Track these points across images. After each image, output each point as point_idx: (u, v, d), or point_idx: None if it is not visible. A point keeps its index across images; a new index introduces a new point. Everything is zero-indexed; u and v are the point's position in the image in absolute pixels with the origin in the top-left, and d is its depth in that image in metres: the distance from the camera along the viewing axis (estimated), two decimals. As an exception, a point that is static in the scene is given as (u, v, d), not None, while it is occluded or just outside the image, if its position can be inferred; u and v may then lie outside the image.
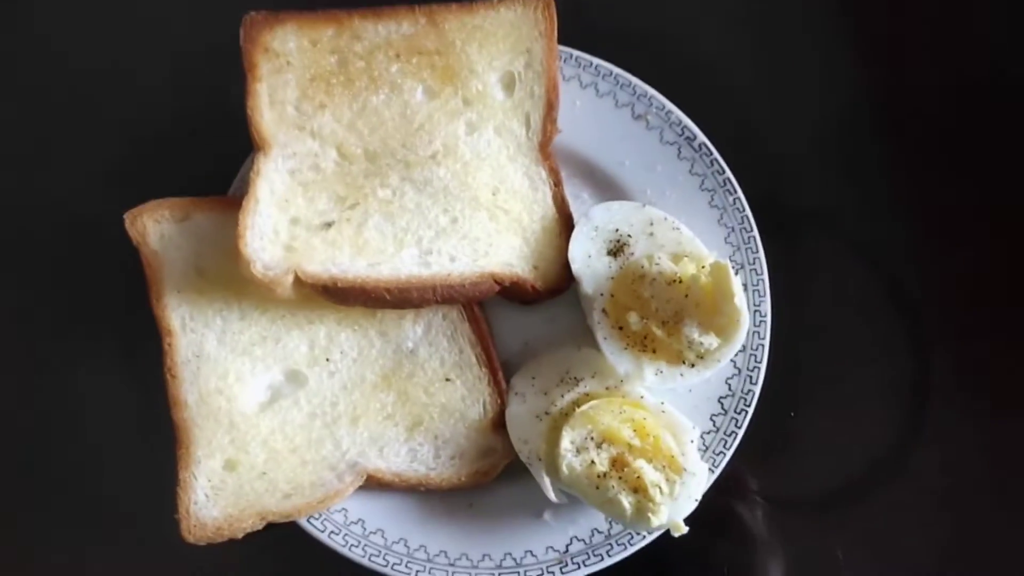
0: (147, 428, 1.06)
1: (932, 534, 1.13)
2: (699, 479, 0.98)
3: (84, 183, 1.16)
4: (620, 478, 0.97)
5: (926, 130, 1.23)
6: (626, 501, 0.96)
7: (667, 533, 1.03)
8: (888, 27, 1.26)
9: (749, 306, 1.09)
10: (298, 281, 0.99)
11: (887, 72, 1.24)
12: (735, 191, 1.12)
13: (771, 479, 1.14)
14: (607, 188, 1.14)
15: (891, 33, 1.26)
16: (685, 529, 0.98)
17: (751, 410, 1.07)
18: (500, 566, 1.03)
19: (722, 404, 1.08)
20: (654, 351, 1.03)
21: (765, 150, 1.21)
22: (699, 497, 0.99)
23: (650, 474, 0.96)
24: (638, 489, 0.96)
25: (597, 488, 0.97)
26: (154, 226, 1.04)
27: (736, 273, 1.02)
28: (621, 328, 1.03)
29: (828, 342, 1.17)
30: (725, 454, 1.06)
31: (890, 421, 1.16)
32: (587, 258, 1.06)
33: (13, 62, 1.21)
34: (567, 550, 1.04)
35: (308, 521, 1.02)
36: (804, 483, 1.14)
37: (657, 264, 1.03)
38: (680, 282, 1.02)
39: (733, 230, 1.12)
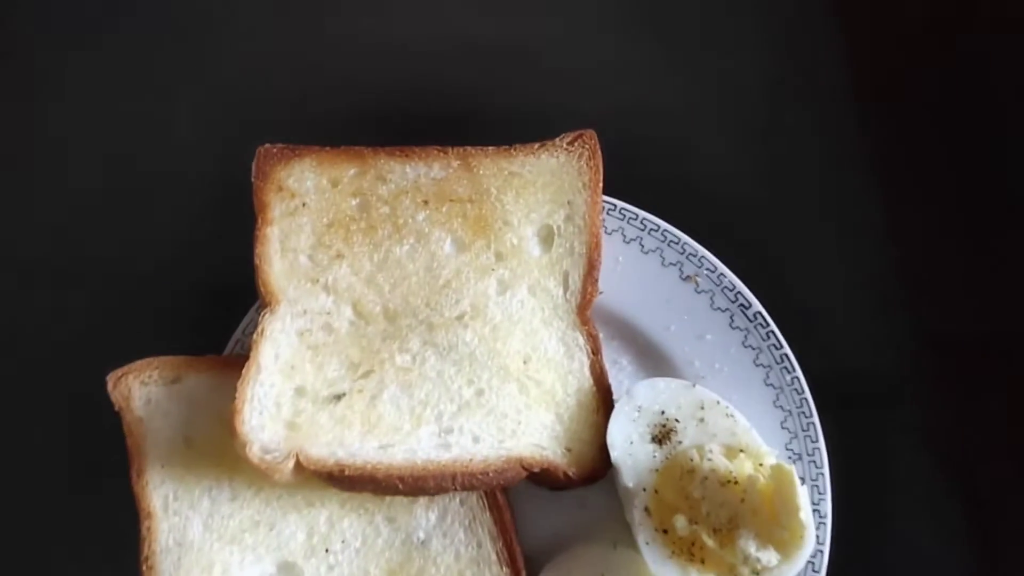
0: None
1: None
2: None
3: (66, 336, 1.03)
4: None
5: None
6: None
7: None
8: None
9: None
10: (299, 466, 0.86)
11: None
12: (793, 369, 1.00)
13: None
14: (649, 356, 1.02)
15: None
16: None
17: (807, 630, 0.94)
18: None
19: (776, 619, 0.95)
20: (703, 562, 0.90)
21: (820, 323, 1.09)
22: None
23: None
24: None
25: None
26: (140, 388, 0.91)
27: (794, 466, 0.89)
28: (666, 531, 0.91)
29: (891, 541, 1.04)
30: None
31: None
32: (628, 444, 0.94)
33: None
34: None
35: None
36: None
37: (710, 459, 0.91)
38: (736, 483, 0.89)
39: (791, 414, 1.00)
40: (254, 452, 0.85)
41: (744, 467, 0.90)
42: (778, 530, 0.88)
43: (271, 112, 1.09)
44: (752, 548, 0.87)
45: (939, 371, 1.10)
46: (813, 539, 0.87)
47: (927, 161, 1.16)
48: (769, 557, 0.87)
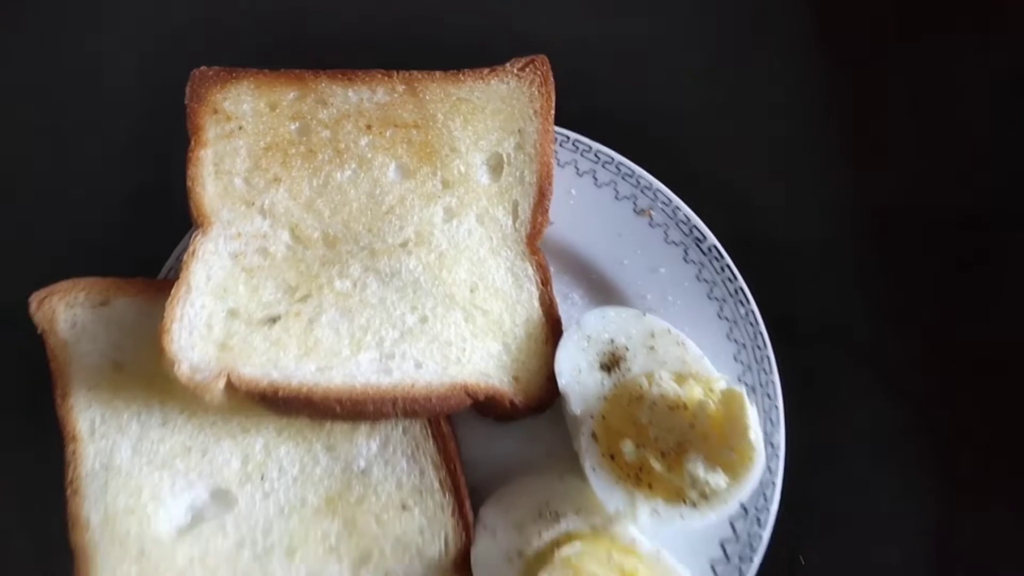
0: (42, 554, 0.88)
1: None
2: (699, 647, 0.82)
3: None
4: (606, 643, 0.80)
5: (942, 243, 1.11)
6: (612, 674, 0.79)
7: None
8: (893, 137, 1.15)
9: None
10: (231, 387, 0.83)
11: (903, 183, 1.13)
12: (748, 302, 0.98)
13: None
14: (601, 290, 1.00)
15: (895, 143, 1.15)
16: None
17: (758, 558, 0.92)
18: None
19: (725, 550, 0.93)
20: (650, 486, 0.87)
21: (780, 262, 1.07)
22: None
23: (642, 644, 0.80)
24: (626, 659, 0.80)
25: (577, 655, 0.80)
26: (66, 311, 0.88)
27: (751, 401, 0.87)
28: (613, 457, 0.88)
29: (843, 474, 1.03)
30: (727, 612, 0.90)
31: (909, 568, 1.00)
32: (576, 372, 0.91)
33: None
34: None
35: None
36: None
37: (658, 385, 0.88)
38: (684, 408, 0.87)
39: (744, 347, 0.98)
40: (183, 371, 0.82)
41: (694, 392, 0.88)
42: (727, 453, 0.85)
43: (212, 39, 1.06)
44: (701, 471, 0.84)
45: (896, 306, 1.08)
46: (763, 461, 0.85)
47: (882, 93, 1.14)
48: (718, 480, 0.85)
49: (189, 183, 0.90)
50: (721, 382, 0.88)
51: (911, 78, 1.15)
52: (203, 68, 0.95)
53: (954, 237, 1.11)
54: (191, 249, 0.88)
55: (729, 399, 0.86)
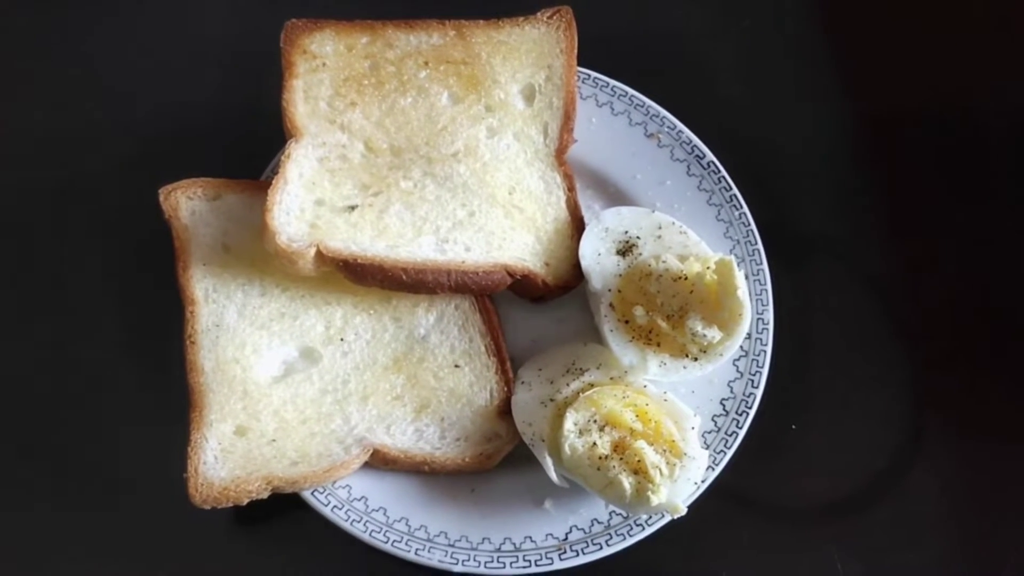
0: (160, 398, 1.08)
1: (925, 551, 1.12)
2: (699, 463, 1.00)
3: (126, 162, 1.23)
4: (621, 459, 0.98)
5: (932, 157, 1.30)
6: (626, 482, 0.97)
7: (666, 531, 1.05)
8: (890, 57, 1.35)
9: (752, 314, 1.12)
10: (319, 256, 1.03)
11: (894, 98, 1.33)
12: (740, 206, 1.17)
13: (770, 489, 1.14)
14: (619, 200, 1.19)
15: (893, 62, 1.34)
16: (684, 510, 0.99)
17: (752, 411, 1.09)
18: (499, 549, 1.03)
19: (724, 405, 1.10)
20: (658, 344, 1.06)
21: (773, 176, 1.27)
22: (699, 481, 1.00)
23: (651, 456, 0.98)
24: (638, 471, 0.98)
25: (598, 470, 0.99)
26: (186, 202, 1.09)
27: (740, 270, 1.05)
28: (627, 322, 1.07)
29: (830, 363, 1.19)
30: (726, 453, 1.08)
31: (887, 441, 1.17)
32: (597, 256, 1.11)
33: (66, 52, 1.30)
34: (566, 538, 1.04)
35: (312, 495, 1.03)
36: (802, 494, 1.14)
37: (664, 263, 1.07)
38: (685, 279, 1.06)
39: (738, 243, 1.16)
40: (282, 241, 1.02)
41: (693, 267, 1.07)
42: (721, 312, 1.04)
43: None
44: (699, 327, 1.03)
45: (890, 222, 1.26)
46: (749, 316, 1.03)
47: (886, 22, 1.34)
48: (713, 334, 1.03)
49: (284, 105, 1.12)
50: (716, 257, 1.07)
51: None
52: (294, 19, 1.16)
53: (945, 148, 1.29)
54: (287, 153, 1.09)
55: (721, 267, 1.05)
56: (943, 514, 1.14)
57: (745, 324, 1.03)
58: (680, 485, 0.99)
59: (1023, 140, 1.31)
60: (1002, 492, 1.16)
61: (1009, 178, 1.29)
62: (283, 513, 1.09)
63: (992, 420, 1.19)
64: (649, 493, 0.97)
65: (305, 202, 1.07)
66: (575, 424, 1.01)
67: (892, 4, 1.38)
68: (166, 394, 1.07)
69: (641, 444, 0.99)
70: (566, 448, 1.00)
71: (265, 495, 1.01)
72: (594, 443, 0.99)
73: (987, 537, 1.14)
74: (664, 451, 1.00)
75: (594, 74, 1.22)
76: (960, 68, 1.34)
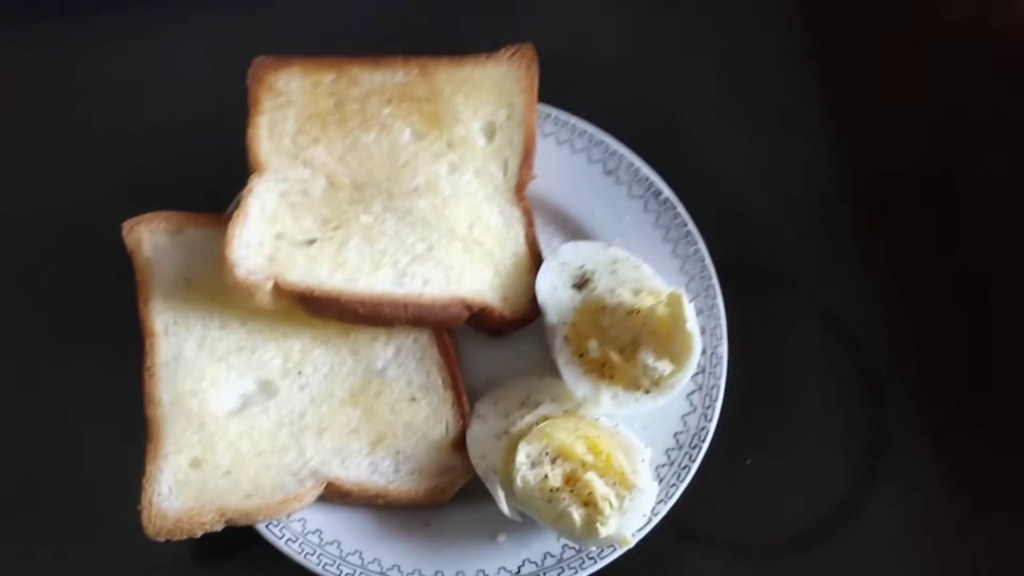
0: (125, 425, 1.09)
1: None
2: (648, 495, 1.01)
3: (89, 198, 1.25)
4: (572, 492, 1.00)
5: (896, 198, 1.32)
6: (576, 514, 0.98)
7: (620, 565, 1.06)
8: (862, 97, 1.37)
9: (706, 348, 1.13)
10: (277, 289, 1.05)
11: (860, 139, 1.35)
12: (696, 242, 1.19)
13: (725, 524, 1.15)
14: (578, 235, 1.20)
15: (864, 102, 1.37)
16: (632, 542, 0.99)
17: (705, 445, 1.10)
18: (452, 582, 1.04)
19: (677, 439, 1.11)
20: (612, 377, 1.07)
21: (734, 214, 1.28)
22: (648, 513, 1.01)
23: (600, 488, 0.99)
24: (588, 503, 0.99)
25: (549, 502, 1.00)
26: (149, 236, 1.11)
27: (691, 303, 1.07)
28: (581, 355, 1.08)
29: (787, 400, 1.20)
30: (678, 486, 1.08)
31: (846, 474, 1.18)
32: (553, 290, 1.12)
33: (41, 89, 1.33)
34: (519, 571, 1.05)
35: (267, 528, 1.04)
36: (758, 529, 1.15)
37: (618, 296, 1.09)
38: (638, 312, 1.07)
39: (693, 278, 1.18)
40: (240, 273, 1.04)
41: (646, 301, 1.08)
42: (671, 345, 1.06)
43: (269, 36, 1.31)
44: (651, 359, 1.05)
45: (851, 260, 1.28)
46: (699, 349, 1.05)
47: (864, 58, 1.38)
48: (664, 366, 1.05)
49: (248, 140, 1.14)
50: (668, 290, 1.09)
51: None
52: (262, 57, 1.19)
53: (913, 183, 1.32)
54: (249, 187, 1.11)
55: (672, 301, 1.06)
56: (902, 549, 1.15)
57: (695, 357, 1.05)
58: (629, 517, 1.00)
59: (994, 173, 1.34)
60: (965, 523, 1.16)
61: (976, 215, 1.31)
62: (239, 548, 1.09)
63: (953, 453, 1.19)
64: (598, 525, 0.98)
65: (265, 236, 1.09)
66: (527, 456, 1.02)
67: (865, 33, 1.41)
68: (130, 427, 1.07)
69: (591, 476, 1.00)
70: (518, 480, 1.01)
71: (219, 527, 1.01)
72: (546, 475, 1.00)
73: (956, 568, 1.15)
74: (614, 483, 1.01)
75: (555, 112, 1.24)
76: (944, 105, 1.37)
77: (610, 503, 0.99)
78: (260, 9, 1.36)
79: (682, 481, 1.09)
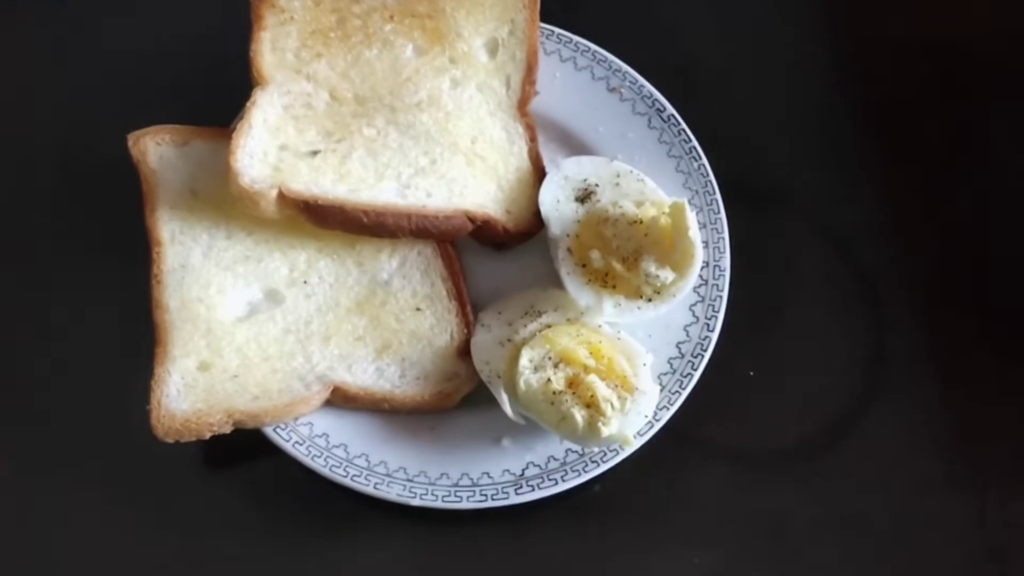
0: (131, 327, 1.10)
1: (887, 493, 1.14)
2: (650, 398, 1.02)
3: (95, 114, 1.26)
4: (574, 394, 1.01)
5: (901, 120, 1.32)
6: (579, 415, 1.00)
7: (622, 470, 1.07)
8: (865, 13, 1.38)
9: (709, 260, 1.14)
10: (281, 198, 1.06)
11: (863, 58, 1.36)
12: (700, 158, 1.19)
13: (727, 433, 1.16)
14: (582, 152, 1.21)
15: (868, 18, 1.38)
16: (635, 443, 1.01)
17: (707, 354, 1.11)
18: (457, 484, 1.05)
19: (680, 348, 1.12)
20: (614, 286, 1.08)
21: (737, 132, 1.29)
22: (650, 414, 1.02)
23: (603, 390, 1.00)
24: (591, 404, 1.00)
25: (552, 404, 1.01)
26: (155, 147, 1.12)
27: (695, 214, 1.08)
28: (584, 265, 1.09)
29: (789, 313, 1.22)
30: (681, 393, 1.09)
31: (847, 386, 1.19)
32: (556, 203, 1.13)
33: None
34: (523, 473, 1.06)
35: (274, 431, 1.06)
36: (760, 438, 1.16)
37: (620, 208, 1.10)
38: (640, 223, 1.08)
39: (697, 192, 1.19)
40: (245, 182, 1.04)
41: (648, 211, 1.09)
42: (674, 254, 1.07)
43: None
44: (653, 268, 1.06)
45: (855, 180, 1.28)
46: (701, 257, 1.06)
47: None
48: (666, 275, 1.06)
49: (251, 55, 1.14)
50: (670, 201, 1.10)
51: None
52: (264, -26, 1.19)
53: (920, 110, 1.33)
54: (252, 99, 1.11)
55: (674, 210, 1.07)
56: (905, 458, 1.16)
57: (697, 265, 1.06)
58: (631, 418, 1.01)
59: (1000, 83, 1.34)
60: (964, 435, 1.17)
61: (983, 143, 1.32)
62: (247, 455, 1.11)
63: (955, 368, 1.20)
64: (600, 425, 0.99)
65: (269, 146, 1.10)
66: (530, 361, 1.03)
67: None
68: (135, 328, 1.08)
69: (593, 379, 1.01)
70: (521, 384, 1.02)
71: (227, 429, 1.03)
72: (548, 379, 1.02)
73: (955, 477, 1.15)
74: (616, 386, 1.02)
75: (558, 30, 1.24)
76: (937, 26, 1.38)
77: (612, 404, 1.00)
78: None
79: (684, 388, 1.10)
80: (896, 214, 1.27)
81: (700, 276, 1.11)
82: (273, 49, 1.16)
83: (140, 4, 1.33)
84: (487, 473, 1.06)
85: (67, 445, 1.12)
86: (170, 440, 1.01)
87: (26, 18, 1.33)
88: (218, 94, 1.18)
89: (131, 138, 1.11)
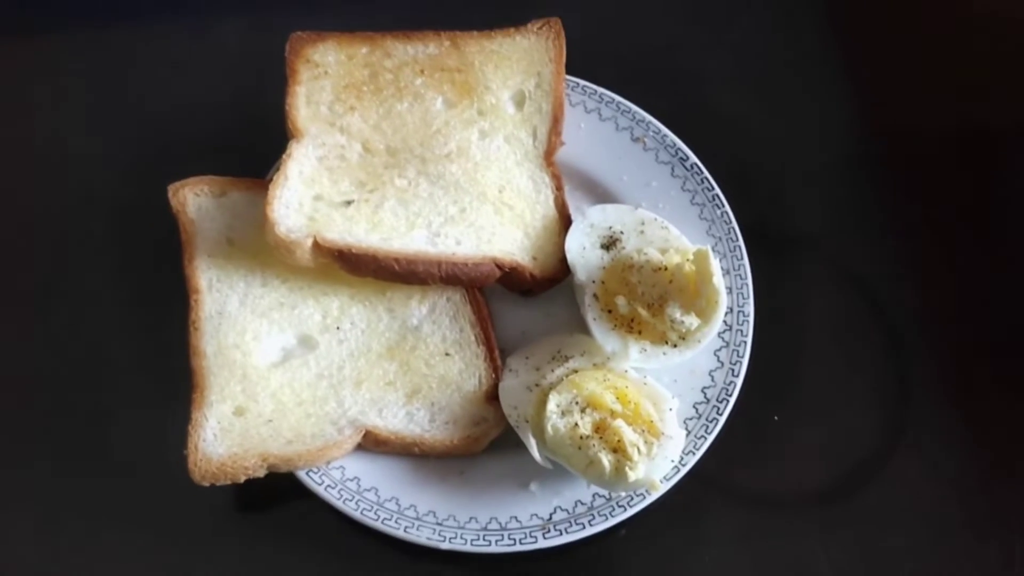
0: (168, 378, 1.14)
1: (912, 537, 1.14)
2: (676, 442, 1.03)
3: (137, 164, 1.31)
4: (602, 439, 1.02)
5: (920, 161, 1.35)
6: (606, 460, 1.01)
7: (648, 515, 1.08)
8: (884, 61, 1.42)
9: (732, 307, 1.16)
10: (316, 246, 1.09)
11: (884, 101, 1.39)
12: (722, 205, 1.22)
13: (753, 478, 1.17)
14: (606, 200, 1.24)
15: (887, 66, 1.41)
16: (661, 488, 1.02)
17: (732, 399, 1.13)
18: (485, 528, 1.07)
19: (705, 393, 1.14)
20: (640, 332, 1.10)
21: (758, 178, 1.32)
22: (676, 459, 1.04)
23: (629, 435, 1.02)
24: (618, 449, 1.02)
25: (580, 449, 1.02)
26: (193, 198, 1.16)
27: (718, 260, 1.10)
28: (610, 311, 1.11)
29: (812, 358, 1.22)
30: (706, 438, 1.11)
31: (870, 431, 1.19)
32: (582, 250, 1.16)
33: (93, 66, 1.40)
34: (550, 518, 1.07)
35: (307, 475, 1.08)
36: (784, 483, 1.17)
37: (645, 255, 1.12)
38: (666, 270, 1.10)
39: (720, 240, 1.21)
40: (280, 231, 1.08)
41: (673, 258, 1.11)
42: (698, 301, 1.09)
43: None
44: (678, 314, 1.08)
45: (876, 223, 1.31)
46: (725, 303, 1.08)
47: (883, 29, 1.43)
48: (691, 320, 1.08)
49: (287, 108, 1.18)
50: (694, 248, 1.12)
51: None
52: (299, 32, 1.24)
53: (934, 150, 1.35)
54: (288, 152, 1.15)
55: (699, 257, 1.09)
56: (930, 502, 1.16)
57: (721, 310, 1.08)
58: (658, 463, 1.03)
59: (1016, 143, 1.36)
60: (989, 478, 1.17)
61: (999, 182, 1.34)
62: (279, 499, 1.13)
63: (978, 410, 1.21)
64: (627, 470, 1.00)
65: (304, 197, 1.13)
66: (558, 406, 1.05)
67: (890, 11, 1.45)
68: (173, 376, 1.11)
69: (620, 423, 1.03)
70: (549, 428, 1.04)
71: (261, 473, 1.05)
72: (576, 423, 1.03)
73: (981, 520, 1.15)
74: (642, 431, 1.03)
75: (583, 82, 1.28)
76: (959, 71, 1.41)
77: (639, 449, 1.02)
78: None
79: (710, 434, 1.11)
80: (919, 258, 1.28)
81: (724, 322, 1.13)
82: (308, 103, 1.20)
83: (181, 60, 1.39)
84: (515, 517, 1.07)
85: (104, 489, 1.14)
86: (206, 483, 1.04)
87: (73, 74, 1.39)
88: (254, 148, 1.22)
89: (171, 189, 1.15)
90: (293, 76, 1.21)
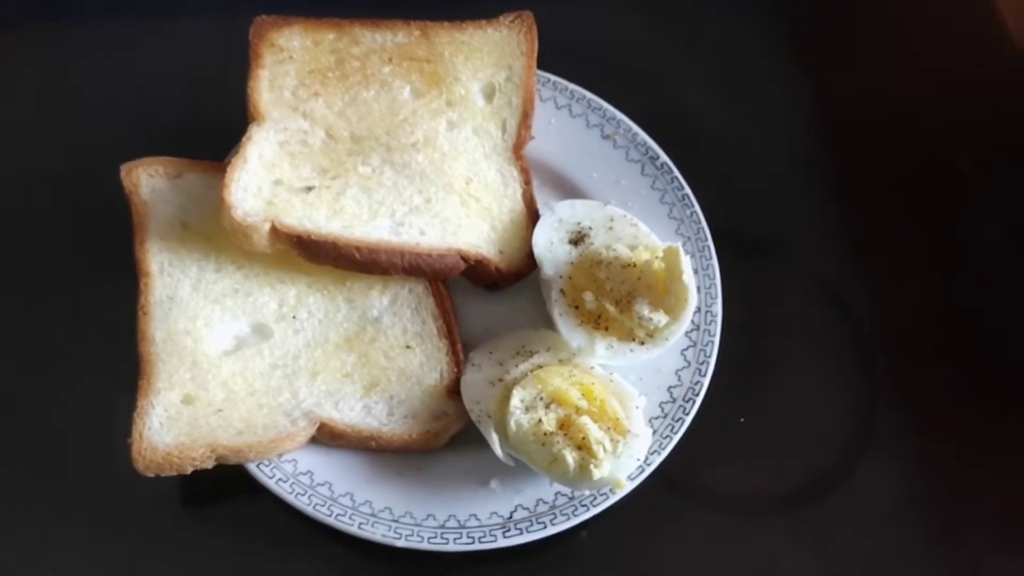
0: (116, 363, 1.09)
1: (876, 541, 1.12)
2: (642, 441, 1.01)
3: (92, 148, 1.26)
4: (566, 436, 0.99)
5: (887, 163, 1.35)
6: (570, 457, 0.98)
7: (611, 515, 1.05)
8: (852, 64, 1.42)
9: (701, 306, 1.14)
10: (274, 232, 1.05)
11: (852, 103, 1.39)
12: (692, 205, 1.20)
13: (717, 480, 1.14)
14: (575, 196, 1.21)
15: (855, 69, 1.42)
16: (627, 487, 0.99)
17: (699, 399, 1.10)
18: (443, 526, 1.03)
19: (671, 392, 1.11)
20: (607, 328, 1.08)
21: (728, 182, 1.30)
22: (642, 458, 1.01)
23: (595, 432, 0.99)
24: (582, 446, 0.99)
25: (543, 445, 0.99)
26: (147, 179, 1.11)
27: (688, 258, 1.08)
28: (577, 307, 1.09)
29: (780, 360, 1.21)
30: (672, 438, 1.08)
31: (836, 435, 1.18)
32: (549, 244, 1.13)
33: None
34: (511, 516, 1.04)
35: (257, 467, 1.03)
36: (750, 486, 1.14)
37: (614, 251, 1.10)
38: (634, 266, 1.08)
39: (689, 239, 1.19)
40: (237, 215, 1.04)
41: (642, 255, 1.09)
42: (667, 298, 1.06)
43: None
44: (646, 311, 1.05)
45: (844, 227, 1.30)
46: (695, 301, 1.05)
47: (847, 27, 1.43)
48: (659, 318, 1.05)
49: (249, 92, 1.15)
50: (664, 245, 1.10)
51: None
52: (263, 15, 1.20)
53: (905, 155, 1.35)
54: (248, 135, 1.11)
55: (669, 254, 1.07)
56: (894, 506, 1.14)
57: (690, 308, 1.05)
58: (623, 461, 1.00)
59: (986, 145, 1.37)
60: (956, 483, 1.16)
61: (970, 184, 1.35)
62: (228, 492, 1.08)
63: (944, 414, 1.20)
64: (592, 467, 0.97)
65: (263, 181, 1.10)
66: (522, 401, 1.02)
67: (857, 15, 1.46)
68: (119, 361, 1.06)
69: (585, 420, 1.00)
70: (512, 424, 1.00)
71: (209, 464, 1.00)
72: (540, 420, 1.00)
73: (944, 528, 1.14)
74: (608, 428, 1.00)
75: (554, 78, 1.26)
76: (930, 72, 1.42)
77: (604, 447, 0.99)
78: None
79: (675, 433, 1.08)
80: (888, 265, 1.28)
81: (692, 321, 1.11)
82: (271, 87, 1.17)
83: (141, 41, 1.35)
84: (475, 515, 1.04)
85: (46, 477, 1.09)
86: (151, 474, 0.99)
87: (28, 55, 1.34)
88: (213, 130, 1.18)
89: (124, 169, 1.11)
90: (257, 60, 1.18)
